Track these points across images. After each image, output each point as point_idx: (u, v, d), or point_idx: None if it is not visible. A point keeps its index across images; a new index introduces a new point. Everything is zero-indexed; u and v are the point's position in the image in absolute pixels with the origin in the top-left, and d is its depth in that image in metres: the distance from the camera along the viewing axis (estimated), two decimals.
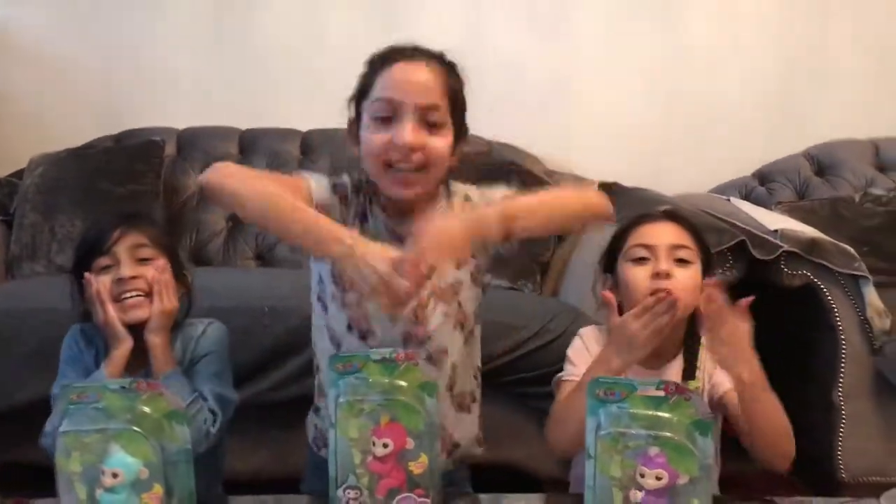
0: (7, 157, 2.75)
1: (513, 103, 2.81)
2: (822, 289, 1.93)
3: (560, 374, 1.41)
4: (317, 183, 1.31)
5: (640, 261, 1.35)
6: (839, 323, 1.93)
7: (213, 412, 1.35)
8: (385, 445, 1.16)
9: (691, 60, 2.85)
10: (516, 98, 2.82)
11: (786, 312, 1.98)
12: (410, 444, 1.17)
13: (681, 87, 2.85)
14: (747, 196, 2.69)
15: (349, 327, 1.31)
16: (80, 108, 2.87)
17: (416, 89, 1.25)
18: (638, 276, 1.34)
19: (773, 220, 2.07)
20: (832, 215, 2.34)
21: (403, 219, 1.31)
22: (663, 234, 1.36)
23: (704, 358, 1.38)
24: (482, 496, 1.31)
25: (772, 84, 2.85)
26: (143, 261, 1.35)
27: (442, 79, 1.28)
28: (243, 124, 2.82)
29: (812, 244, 1.93)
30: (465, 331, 1.36)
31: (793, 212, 2.34)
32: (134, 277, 1.33)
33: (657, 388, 1.03)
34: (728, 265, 1.88)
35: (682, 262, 1.34)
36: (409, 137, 1.23)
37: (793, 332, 2.02)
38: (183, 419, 1.12)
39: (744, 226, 1.98)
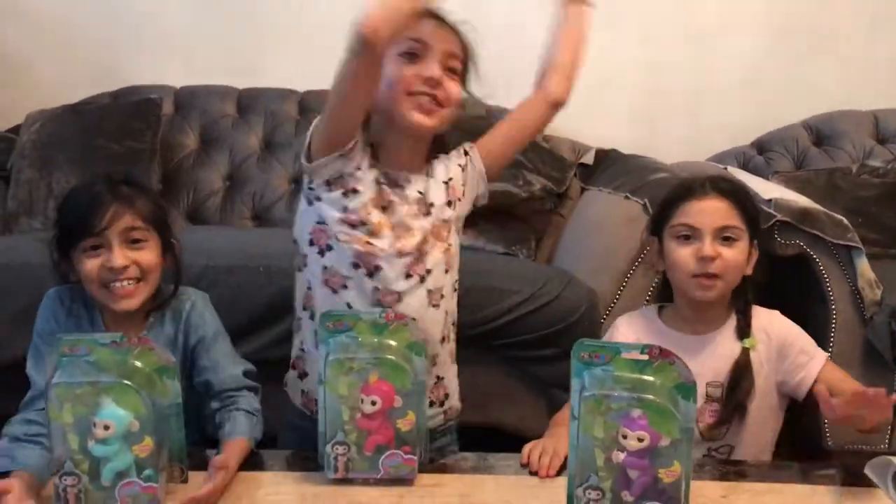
0: (3, 113, 2.74)
1: (510, 69, 2.77)
2: (815, 259, 1.94)
3: None
4: None
5: (686, 238, 1.39)
6: (831, 293, 1.94)
7: (253, 390, 1.37)
8: (373, 403, 1.18)
9: (689, 27, 2.82)
10: (513, 63, 2.78)
11: (778, 282, 1.99)
12: (398, 402, 1.19)
13: (678, 55, 2.83)
14: (745, 165, 2.69)
15: (355, 265, 1.32)
16: (76, 65, 2.86)
17: (444, 38, 1.33)
18: (683, 256, 1.39)
19: (768, 190, 2.07)
20: (828, 186, 2.35)
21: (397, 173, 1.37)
22: (710, 215, 1.38)
23: (758, 317, 1.43)
24: (469, 454, 1.34)
25: (771, 52, 2.83)
26: (134, 242, 1.29)
27: (463, 44, 1.37)
28: (241, 84, 2.81)
29: (805, 214, 1.93)
30: (451, 279, 1.41)
31: (789, 182, 2.34)
32: (126, 266, 1.27)
33: (641, 353, 1.05)
34: None
35: (728, 239, 1.37)
36: (437, 72, 1.31)
37: (785, 302, 2.03)
38: (174, 374, 1.14)
39: None
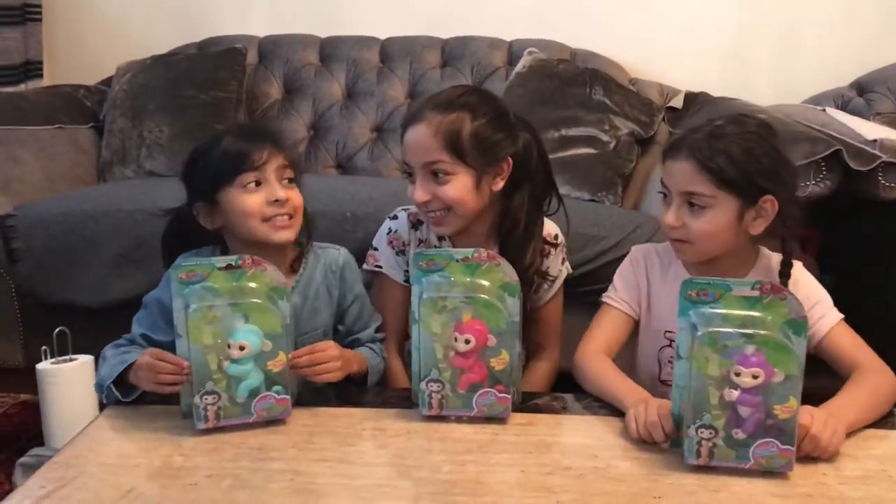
0: (95, 66, 2.81)
1: (596, 10, 2.72)
2: None
3: (605, 293, 1.45)
4: (386, 263, 1.52)
5: (664, 197, 1.32)
6: None
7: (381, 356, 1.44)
8: (467, 341, 1.18)
9: None
10: (599, 4, 2.72)
11: (878, 227, 1.90)
12: (492, 341, 1.18)
13: None
14: (844, 107, 2.55)
15: None
16: (163, 17, 2.90)
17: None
18: (661, 214, 1.34)
19: (871, 130, 1.96)
20: None
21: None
22: (677, 179, 1.28)
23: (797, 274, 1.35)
24: (562, 395, 1.33)
25: None
26: (287, 182, 1.32)
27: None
28: (323, 32, 2.81)
29: None
30: None
31: (893, 123, 2.23)
32: (287, 199, 1.30)
33: (752, 289, 1.01)
34: (821, 176, 1.81)
35: (694, 206, 1.26)
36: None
37: (883, 247, 1.95)
38: (284, 295, 1.19)
39: (839, 135, 1.88)
